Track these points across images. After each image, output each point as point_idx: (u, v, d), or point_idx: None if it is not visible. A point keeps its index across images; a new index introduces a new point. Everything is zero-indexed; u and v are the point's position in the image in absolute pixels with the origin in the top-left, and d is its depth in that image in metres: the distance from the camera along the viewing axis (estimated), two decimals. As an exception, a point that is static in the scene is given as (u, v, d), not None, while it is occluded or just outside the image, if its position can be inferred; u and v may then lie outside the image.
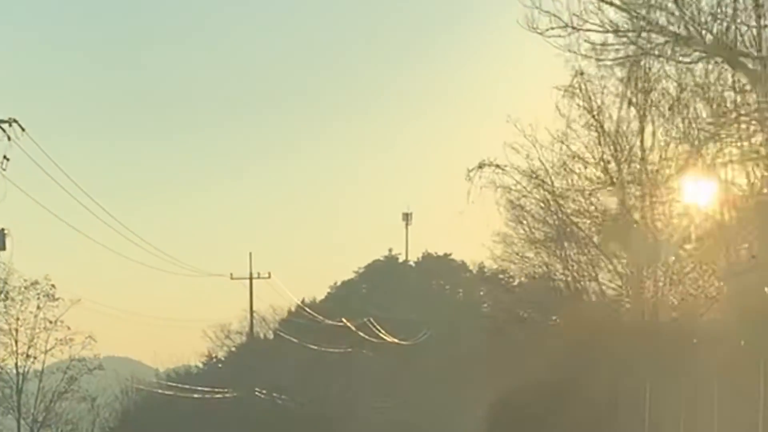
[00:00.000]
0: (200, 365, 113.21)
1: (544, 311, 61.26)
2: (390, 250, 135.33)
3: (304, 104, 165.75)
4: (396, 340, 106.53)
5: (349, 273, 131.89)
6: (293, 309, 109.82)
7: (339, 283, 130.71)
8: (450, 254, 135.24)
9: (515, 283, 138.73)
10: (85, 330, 72.13)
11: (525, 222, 47.08)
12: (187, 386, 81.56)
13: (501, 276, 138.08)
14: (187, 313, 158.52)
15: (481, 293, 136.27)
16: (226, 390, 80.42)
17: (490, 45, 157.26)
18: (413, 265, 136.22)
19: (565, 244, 44.79)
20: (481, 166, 44.16)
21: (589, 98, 43.93)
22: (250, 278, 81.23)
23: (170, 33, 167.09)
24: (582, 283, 46.67)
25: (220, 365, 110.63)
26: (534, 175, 44.67)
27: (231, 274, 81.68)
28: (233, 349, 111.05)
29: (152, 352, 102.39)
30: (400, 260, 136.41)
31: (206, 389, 79.98)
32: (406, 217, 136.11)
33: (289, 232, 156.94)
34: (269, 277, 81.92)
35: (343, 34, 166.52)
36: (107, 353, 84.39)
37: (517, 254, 49.81)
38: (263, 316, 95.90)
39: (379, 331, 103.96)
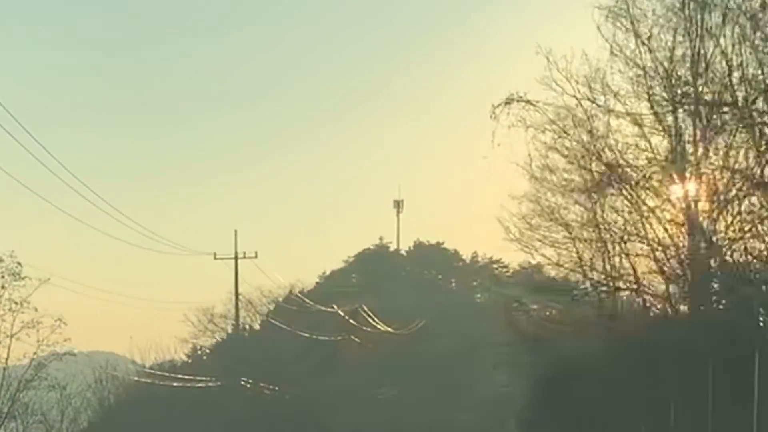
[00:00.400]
0: (184, 357, 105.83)
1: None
2: (381, 238, 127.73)
3: (296, 96, 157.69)
4: (390, 329, 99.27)
5: (338, 262, 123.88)
6: (281, 299, 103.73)
7: (328, 273, 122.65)
8: (443, 243, 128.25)
9: (509, 273, 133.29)
10: (55, 312, 63.95)
11: (558, 171, 38.94)
12: (166, 374, 73.53)
13: (495, 265, 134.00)
14: (167, 294, 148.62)
15: (475, 284, 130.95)
16: (208, 378, 72.54)
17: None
18: (405, 254, 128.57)
19: (608, 192, 36.82)
20: (508, 102, 36.21)
21: (632, 23, 36.56)
22: (236, 258, 73.29)
23: (171, 29, 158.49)
24: (624, 245, 38.68)
25: (204, 357, 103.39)
26: (571, 114, 36.81)
27: (215, 254, 73.80)
28: (219, 340, 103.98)
29: (131, 339, 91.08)
30: (391, 249, 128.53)
31: (187, 377, 72.02)
32: (398, 204, 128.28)
33: (276, 222, 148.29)
34: (256, 257, 74.09)
35: (337, 21, 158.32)
36: (92, 348, 77.13)
37: (546, 211, 41.49)
38: (249, 299, 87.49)
39: (372, 319, 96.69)
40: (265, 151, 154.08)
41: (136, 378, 76.75)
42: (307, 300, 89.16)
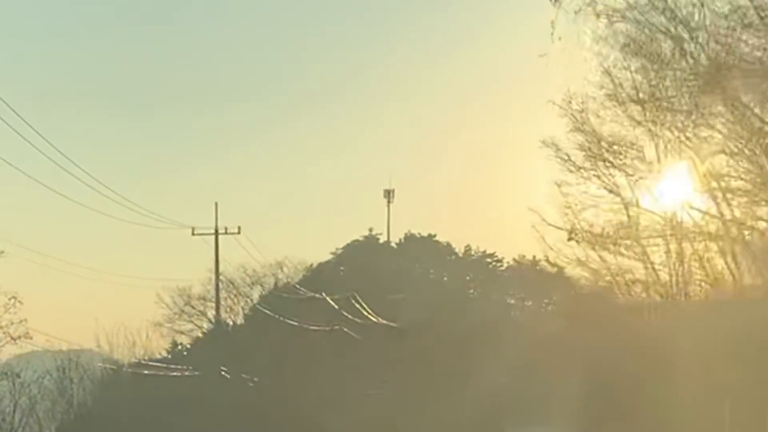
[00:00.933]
0: (164, 353, 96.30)
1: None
2: (370, 229, 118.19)
3: (285, 86, 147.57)
4: (384, 321, 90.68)
5: (325, 254, 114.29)
6: (264, 279, 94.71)
7: (315, 265, 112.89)
8: (434, 235, 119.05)
9: (503, 268, 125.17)
10: (10, 289, 54.20)
11: (640, 71, 28.72)
12: (134, 359, 63.67)
13: (489, 260, 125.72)
14: (138, 272, 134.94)
15: (468, 278, 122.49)
16: (185, 367, 62.85)
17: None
18: (395, 246, 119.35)
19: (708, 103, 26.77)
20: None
21: None
22: (216, 233, 63.17)
23: (159, 18, 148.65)
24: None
25: (185, 353, 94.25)
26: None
27: (193, 229, 63.64)
28: (200, 334, 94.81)
29: (97, 321, 78.12)
30: (381, 241, 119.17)
31: (160, 364, 62.33)
32: (388, 194, 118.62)
33: (262, 212, 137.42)
34: (238, 232, 64.02)
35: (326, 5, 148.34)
36: (76, 346, 67.11)
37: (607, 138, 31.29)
38: (231, 279, 77.25)
39: (364, 309, 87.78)
40: (251, 138, 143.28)
41: (101, 364, 66.55)
42: (299, 287, 79.78)
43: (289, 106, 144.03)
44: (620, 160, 32.16)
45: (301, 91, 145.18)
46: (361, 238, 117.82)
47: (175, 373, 63.11)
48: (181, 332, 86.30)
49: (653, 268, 34.74)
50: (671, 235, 32.22)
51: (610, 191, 35.26)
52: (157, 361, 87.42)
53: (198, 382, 69.55)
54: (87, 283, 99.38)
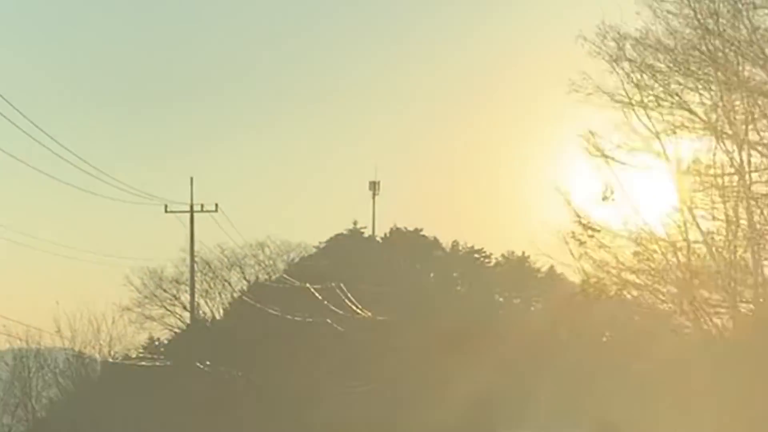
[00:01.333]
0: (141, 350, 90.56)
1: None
2: (355, 222, 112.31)
3: (274, 76, 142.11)
4: (369, 313, 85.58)
5: (307, 243, 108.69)
6: (246, 278, 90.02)
7: (297, 260, 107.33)
8: (421, 230, 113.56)
9: (492, 264, 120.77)
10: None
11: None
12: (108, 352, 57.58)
13: (477, 255, 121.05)
14: (103, 249, 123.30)
15: (455, 274, 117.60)
16: (157, 356, 56.99)
17: None
18: (380, 240, 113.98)
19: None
20: None
21: None
22: (191, 210, 56.93)
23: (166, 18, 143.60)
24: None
25: (162, 348, 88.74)
26: None
27: (166, 206, 57.38)
28: (177, 330, 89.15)
29: (58, 305, 69.60)
30: (366, 235, 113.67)
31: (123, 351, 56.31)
32: (374, 186, 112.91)
33: (243, 199, 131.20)
34: (216, 210, 57.79)
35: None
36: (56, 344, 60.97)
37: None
38: (207, 260, 70.95)
39: (350, 301, 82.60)
40: (237, 125, 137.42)
41: (62, 345, 60.31)
42: (288, 277, 74.46)
43: (277, 96, 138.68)
44: (672, 98, 25.90)
45: (288, 81, 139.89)
46: (345, 232, 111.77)
47: (144, 363, 57.14)
48: (152, 318, 78.90)
49: (702, 231, 28.64)
50: (734, 185, 26.11)
51: (652, 141, 29.10)
52: (134, 358, 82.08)
53: (177, 377, 64.06)
54: (47, 259, 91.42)
